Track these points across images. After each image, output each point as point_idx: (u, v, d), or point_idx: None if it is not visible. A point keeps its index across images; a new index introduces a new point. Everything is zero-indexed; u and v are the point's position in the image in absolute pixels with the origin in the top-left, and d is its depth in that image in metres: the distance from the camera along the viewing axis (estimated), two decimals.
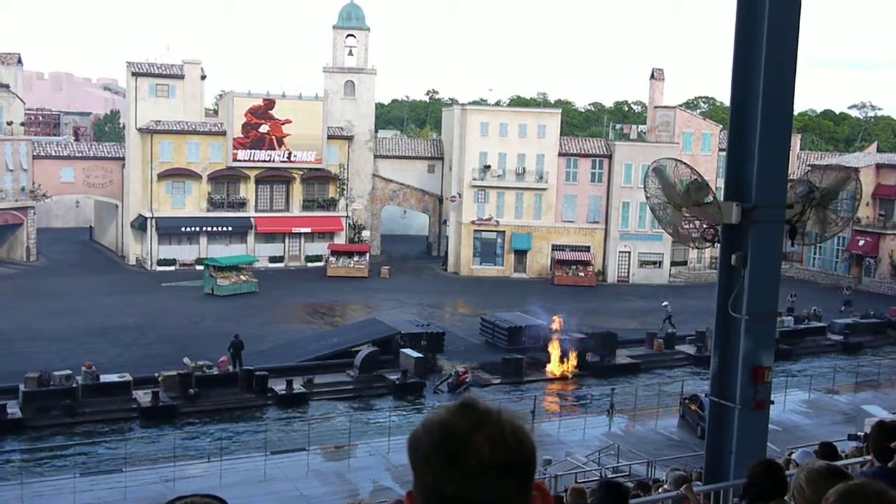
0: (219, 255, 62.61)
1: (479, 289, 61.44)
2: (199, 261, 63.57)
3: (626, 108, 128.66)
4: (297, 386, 36.56)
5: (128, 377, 34.80)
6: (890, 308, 54.15)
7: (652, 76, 72.56)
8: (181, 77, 67.45)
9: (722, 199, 8.86)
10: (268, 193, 68.82)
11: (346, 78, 72.81)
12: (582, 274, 65.96)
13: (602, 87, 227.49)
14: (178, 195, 66.05)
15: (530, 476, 2.14)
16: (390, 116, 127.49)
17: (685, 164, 9.85)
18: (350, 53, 73.51)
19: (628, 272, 68.06)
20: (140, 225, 65.82)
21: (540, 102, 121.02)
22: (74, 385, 33.35)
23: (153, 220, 64.88)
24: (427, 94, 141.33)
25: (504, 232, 67.97)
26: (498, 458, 2.08)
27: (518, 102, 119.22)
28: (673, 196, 9.32)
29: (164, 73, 67.50)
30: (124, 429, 32.70)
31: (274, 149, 67.29)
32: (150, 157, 64.88)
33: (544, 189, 67.61)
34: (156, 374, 35.57)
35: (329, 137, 69.24)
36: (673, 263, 68.88)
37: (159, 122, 65.23)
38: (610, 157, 67.80)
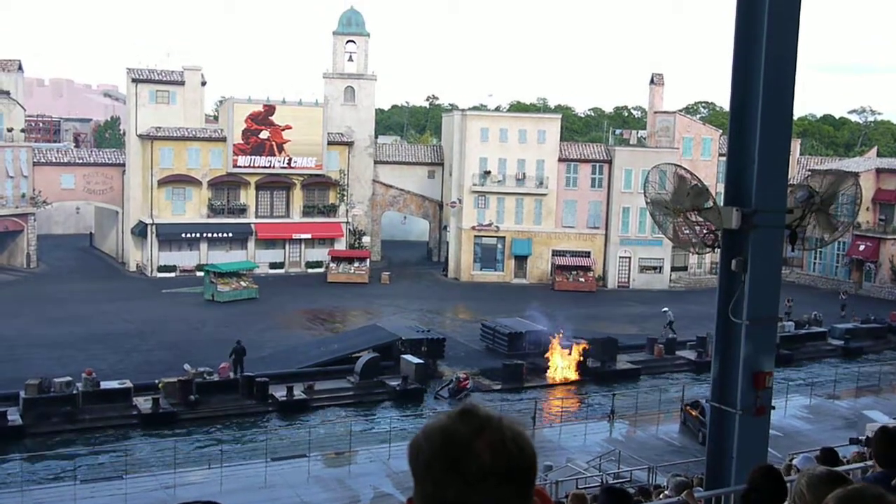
0: (219, 261, 62.63)
1: (480, 294, 61.44)
2: (199, 267, 63.58)
3: (626, 114, 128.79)
4: (298, 392, 36.53)
5: (128, 384, 34.78)
6: (890, 313, 54.17)
7: (652, 81, 72.65)
8: (181, 83, 67.54)
9: (722, 203, 8.86)
10: (268, 199, 68.85)
11: (346, 84, 72.89)
12: (582, 279, 65.96)
13: (602, 92, 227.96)
14: (179, 201, 66.08)
15: (531, 482, 2.14)
16: (390, 122, 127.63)
17: (685, 169, 9.86)
18: (350, 59, 73.60)
19: (629, 277, 68.05)
20: (140, 231, 65.84)
21: (540, 108, 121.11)
22: (75, 392, 33.31)
23: (153, 227, 64.90)
24: (427, 99, 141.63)
25: (504, 237, 67.98)
26: (499, 464, 2.08)
27: (518, 108, 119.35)
28: (673, 201, 9.32)
29: (165, 79, 67.59)
30: (125, 435, 32.67)
31: (274, 155, 67.33)
32: (150, 163, 64.92)
33: (544, 194, 67.63)
34: (156, 381, 35.54)
35: (329, 143, 69.28)
36: (673, 269, 68.88)
37: (159, 128, 65.29)
38: (610, 162, 67.84)
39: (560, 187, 67.94)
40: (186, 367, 36.55)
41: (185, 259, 66.13)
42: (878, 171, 68.69)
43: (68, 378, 33.74)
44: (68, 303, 53.98)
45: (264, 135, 66.84)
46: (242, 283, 58.58)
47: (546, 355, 42.00)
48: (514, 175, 67.24)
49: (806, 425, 35.67)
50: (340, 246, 69.82)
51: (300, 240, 69.08)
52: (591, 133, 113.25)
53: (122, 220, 69.15)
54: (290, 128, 67.29)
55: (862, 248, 67.24)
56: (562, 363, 41.69)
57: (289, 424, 34.27)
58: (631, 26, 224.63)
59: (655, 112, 71.83)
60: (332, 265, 66.21)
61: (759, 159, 8.45)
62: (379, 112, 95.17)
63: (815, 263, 71.40)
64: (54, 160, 68.99)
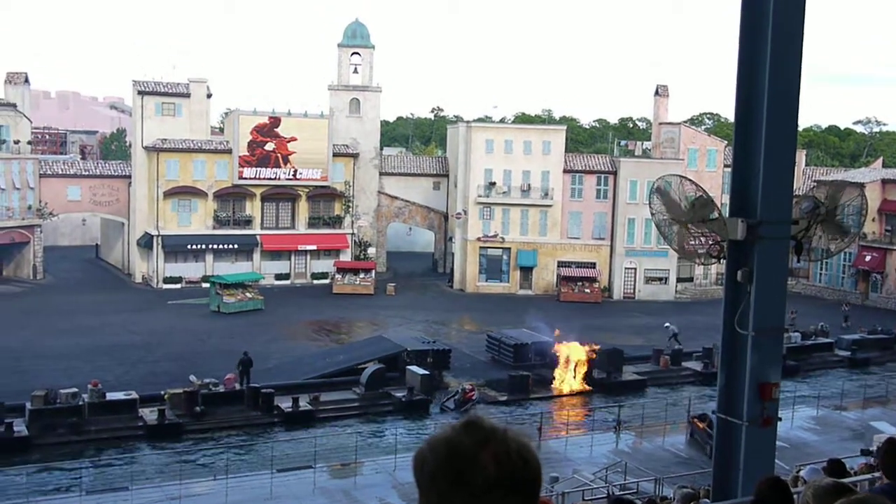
0: (225, 272, 62.69)
1: (485, 306, 61.40)
2: (205, 278, 63.63)
3: (631, 125, 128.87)
4: (304, 403, 36.50)
5: (134, 395, 34.79)
6: None
7: (656, 93, 72.73)
8: (187, 95, 67.76)
9: (727, 214, 8.86)
10: (273, 211, 68.95)
11: (351, 96, 73.08)
12: (588, 290, 65.89)
13: (607, 103, 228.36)
14: (185, 213, 66.22)
15: (536, 494, 2.14)
16: (395, 134, 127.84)
17: (690, 180, 9.86)
18: (355, 71, 73.82)
19: (634, 288, 67.97)
20: (146, 243, 65.96)
21: (545, 119, 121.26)
22: (81, 403, 33.32)
23: (159, 238, 65.02)
24: (432, 111, 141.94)
25: (510, 249, 67.97)
26: (504, 476, 2.09)
27: (523, 119, 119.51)
28: (678, 213, 9.32)
29: (171, 91, 67.82)
30: (131, 447, 32.65)
31: (279, 166, 67.46)
32: (156, 175, 65.09)
33: (549, 206, 67.63)
34: (162, 392, 35.52)
35: (334, 155, 69.39)
36: (679, 279, 68.77)
37: (165, 140, 65.48)
38: (615, 173, 67.85)
39: (565, 198, 67.93)
40: (192, 378, 36.53)
41: (190, 270, 66.22)
42: (884, 181, 68.56)
43: (74, 389, 33.75)
44: (74, 314, 54.06)
45: (270, 146, 66.99)
46: (248, 294, 58.62)
47: (555, 349, 41.89)
48: (519, 186, 67.27)
49: (813, 437, 35.52)
50: (346, 257, 69.86)
51: (306, 251, 69.14)
52: (596, 144, 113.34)
53: (129, 231, 69.32)
54: (295, 139, 67.44)
55: (868, 258, 67.08)
56: (568, 373, 41.62)
57: (294, 437, 34.20)
58: (636, 38, 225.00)
59: (660, 123, 71.87)
60: (338, 276, 66.23)
61: (764, 170, 8.45)
62: (384, 124, 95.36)
63: (821, 274, 71.23)
64: (60, 172, 69.22)
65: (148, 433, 33.43)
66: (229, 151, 66.42)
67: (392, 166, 76.37)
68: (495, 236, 67.69)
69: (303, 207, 69.29)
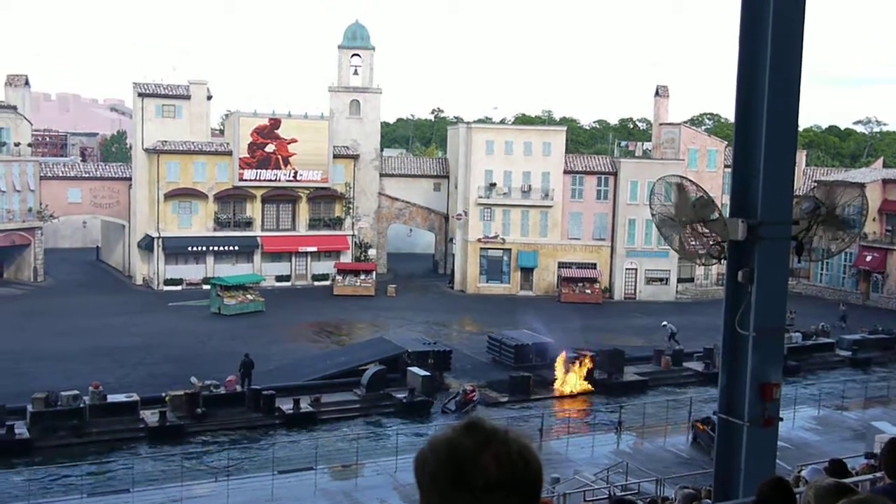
0: (225, 274, 62.71)
1: (486, 307, 61.39)
2: (205, 280, 63.69)
3: (631, 126, 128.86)
4: (305, 405, 36.49)
5: (135, 397, 34.77)
6: None
7: (656, 93, 72.73)
8: (187, 97, 67.80)
9: (728, 215, 8.85)
10: (274, 212, 68.98)
11: (351, 97, 73.12)
12: (588, 291, 65.90)
13: (607, 104, 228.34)
14: (185, 215, 66.25)
15: (537, 495, 2.14)
16: (396, 135, 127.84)
17: (690, 180, 9.86)
18: (355, 73, 73.86)
19: (635, 289, 67.97)
20: (147, 245, 65.98)
21: (545, 120, 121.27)
22: (82, 405, 33.31)
23: (160, 240, 65.04)
24: (432, 112, 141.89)
25: (510, 249, 67.98)
26: (505, 476, 2.09)
27: (523, 120, 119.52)
28: (679, 213, 9.32)
29: (171, 93, 67.87)
30: (132, 449, 32.64)
31: (280, 168, 67.49)
32: (156, 177, 65.12)
33: (550, 206, 67.64)
34: (163, 394, 35.51)
35: (335, 156, 69.43)
36: (679, 280, 68.76)
37: (166, 142, 65.52)
38: (615, 174, 67.87)
39: (566, 199, 67.95)
40: (193, 380, 36.54)
41: (191, 272, 66.24)
42: (885, 181, 68.56)
43: (75, 391, 33.74)
44: (75, 316, 54.09)
45: (270, 148, 67.02)
46: (249, 296, 58.63)
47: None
48: (519, 187, 67.29)
49: (814, 437, 35.51)
50: (346, 259, 69.88)
51: (306, 253, 69.17)
52: (597, 145, 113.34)
53: (129, 233, 69.35)
54: (295, 141, 67.46)
55: (869, 258, 67.06)
56: (569, 374, 41.59)
57: (295, 438, 34.21)
58: (636, 39, 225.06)
59: (661, 124, 71.89)
60: (339, 278, 66.25)
61: (764, 171, 8.45)
62: (384, 125, 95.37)
63: (821, 274, 71.22)
64: (61, 174, 69.29)
65: (149, 435, 33.41)
66: (230, 153, 66.45)
67: (392, 168, 76.40)
68: (496, 237, 67.69)
69: (303, 209, 69.31)
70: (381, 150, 77.65)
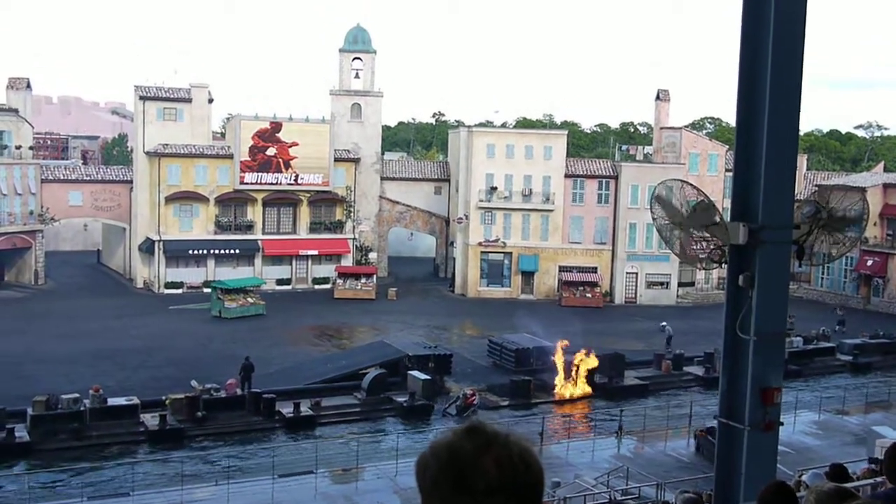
0: (226, 277, 62.71)
1: (487, 310, 61.38)
2: (206, 283, 63.70)
3: (632, 130, 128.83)
4: (305, 409, 36.48)
5: (135, 400, 34.75)
6: None
7: (657, 97, 72.75)
8: (188, 101, 67.86)
9: (729, 219, 8.85)
10: (275, 216, 69.02)
11: (352, 100, 73.18)
12: (589, 295, 65.88)
13: (608, 108, 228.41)
14: (186, 218, 66.29)
15: (538, 499, 2.14)
16: (397, 139, 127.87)
17: (691, 185, 9.86)
18: (356, 76, 73.93)
19: (636, 293, 67.96)
20: (148, 248, 66.01)
21: (546, 124, 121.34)
22: (82, 408, 33.32)
23: (161, 243, 65.07)
24: (433, 116, 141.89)
25: (511, 253, 67.99)
26: (506, 480, 2.09)
27: (524, 124, 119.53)
28: (680, 217, 9.32)
29: (172, 96, 67.92)
30: (132, 452, 32.62)
31: (281, 171, 67.53)
32: (157, 180, 65.16)
33: (551, 210, 67.66)
34: (163, 397, 35.50)
35: (336, 160, 69.48)
36: (680, 284, 68.75)
37: (167, 145, 65.56)
38: (616, 178, 67.89)
39: (566, 203, 67.97)
40: (193, 383, 36.56)
41: (192, 275, 66.26)
42: (886, 186, 68.59)
43: (76, 395, 33.75)
44: (76, 319, 54.10)
45: (271, 151, 67.07)
46: (249, 299, 58.63)
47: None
48: (520, 191, 67.32)
49: (815, 441, 35.48)
50: (347, 262, 69.89)
51: (307, 256, 69.21)
52: (598, 149, 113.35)
53: (130, 236, 69.40)
54: (296, 144, 67.52)
55: (870, 263, 67.05)
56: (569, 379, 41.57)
57: (296, 441, 34.21)
58: (637, 43, 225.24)
59: (661, 128, 71.90)
60: (339, 281, 66.26)
61: (765, 175, 8.44)
62: (385, 129, 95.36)
63: (822, 279, 71.21)
64: (62, 177, 69.34)
65: (149, 438, 33.41)
66: (231, 156, 66.50)
67: (393, 171, 76.42)
68: (497, 241, 67.71)
69: (304, 212, 69.34)
70: (382, 154, 77.67)
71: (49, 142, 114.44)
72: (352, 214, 70.73)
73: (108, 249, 77.72)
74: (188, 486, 28.33)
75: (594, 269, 67.88)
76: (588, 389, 41.58)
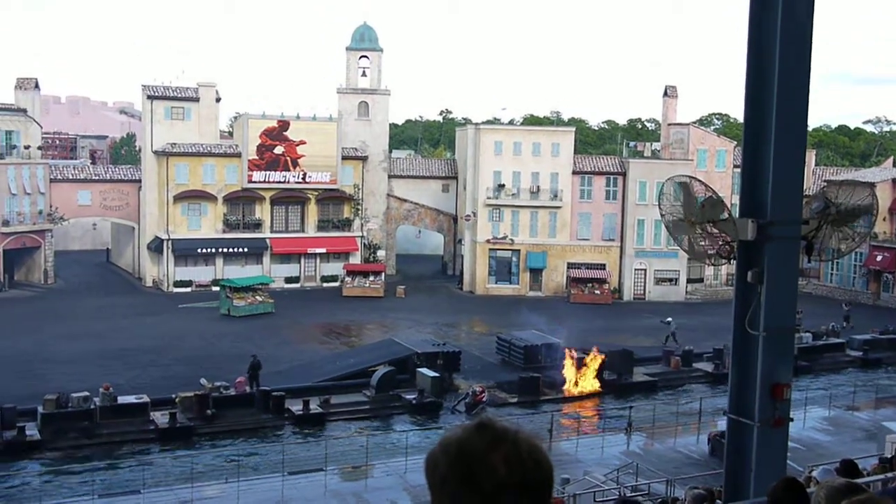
0: (235, 276, 62.85)
1: (495, 308, 61.35)
2: (215, 282, 63.84)
3: (640, 126, 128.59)
4: (314, 406, 36.54)
5: (145, 398, 34.88)
6: None
7: (665, 93, 72.60)
8: (196, 100, 67.96)
9: (737, 215, 8.84)
10: (283, 214, 69.11)
11: (359, 99, 73.17)
12: (598, 292, 65.81)
13: (615, 104, 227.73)
14: (194, 217, 66.41)
15: (548, 495, 2.14)
16: (404, 136, 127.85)
17: (700, 181, 9.84)
18: (363, 74, 73.91)
19: (644, 290, 67.85)
20: (156, 247, 66.17)
21: (553, 121, 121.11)
22: (92, 407, 33.43)
23: (169, 242, 65.21)
24: (440, 113, 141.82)
25: (519, 250, 67.94)
26: (515, 477, 2.09)
27: (531, 121, 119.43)
28: (688, 213, 9.31)
29: (180, 95, 68.02)
30: (142, 450, 32.73)
31: (289, 170, 67.60)
32: (165, 179, 65.30)
33: (559, 207, 67.59)
34: (173, 396, 35.59)
35: (343, 158, 69.52)
36: (689, 280, 68.63)
37: (175, 144, 65.68)
38: (624, 174, 67.78)
39: (574, 200, 67.89)
40: (203, 381, 36.64)
41: (200, 274, 66.39)
42: (895, 181, 68.28)
43: (86, 393, 33.85)
44: (85, 318, 54.27)
45: (279, 150, 67.14)
46: (258, 297, 58.72)
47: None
48: (528, 188, 67.25)
49: (825, 437, 35.37)
50: (355, 260, 69.95)
51: (315, 254, 69.26)
52: (605, 145, 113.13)
53: (139, 235, 69.56)
54: (304, 143, 67.57)
55: (879, 258, 66.79)
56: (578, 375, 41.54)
57: (305, 439, 34.26)
58: (644, 39, 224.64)
59: (669, 124, 71.76)
60: (348, 279, 66.32)
61: (774, 170, 8.43)
62: (393, 126, 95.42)
63: (831, 274, 70.97)
64: (71, 177, 69.52)
65: (159, 436, 33.50)
66: (238, 155, 66.59)
67: (401, 169, 76.43)
68: (505, 238, 67.67)
69: (312, 211, 69.41)
70: (390, 152, 77.68)
71: (58, 141, 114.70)
72: (360, 212, 70.76)
73: (117, 248, 77.94)
74: (198, 483, 28.40)
75: (602, 266, 67.81)
76: (597, 386, 41.57)
